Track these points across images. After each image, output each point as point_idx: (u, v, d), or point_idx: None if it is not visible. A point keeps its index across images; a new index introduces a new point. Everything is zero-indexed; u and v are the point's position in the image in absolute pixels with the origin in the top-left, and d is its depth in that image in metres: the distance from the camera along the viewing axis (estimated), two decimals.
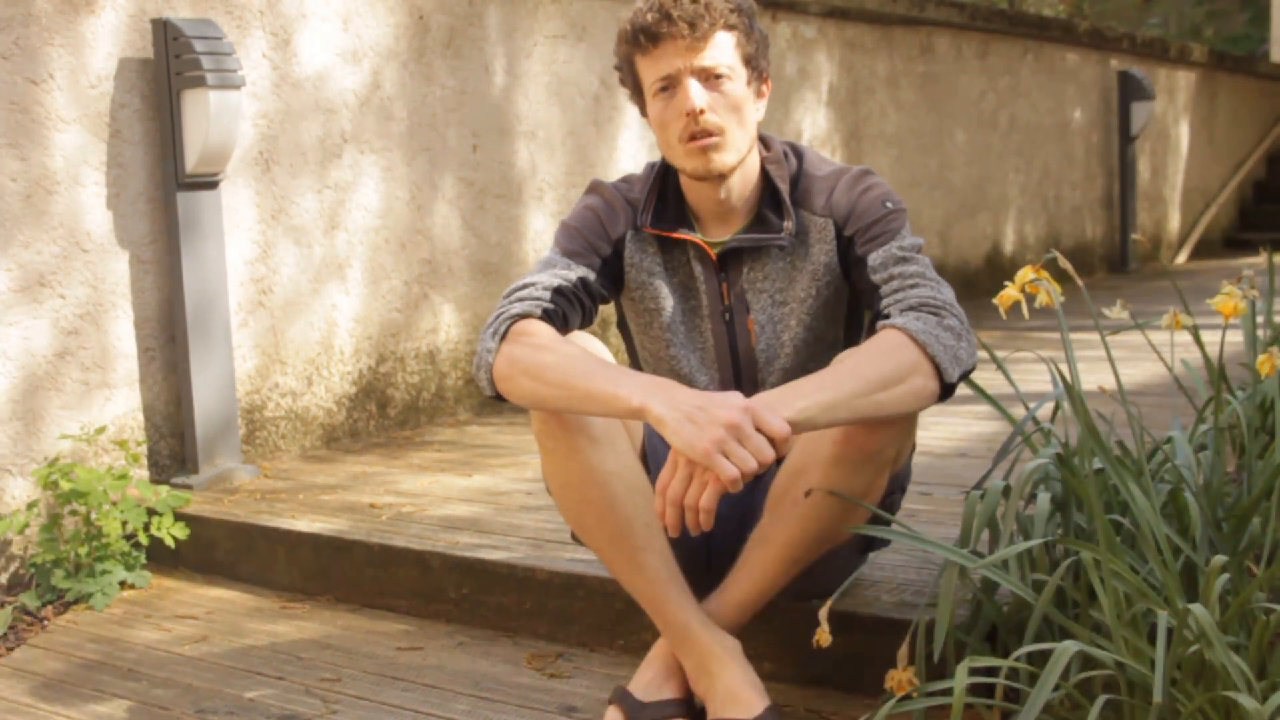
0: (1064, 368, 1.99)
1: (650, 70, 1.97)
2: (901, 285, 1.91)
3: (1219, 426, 2.04)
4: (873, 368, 1.79)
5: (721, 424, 1.69)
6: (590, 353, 1.90)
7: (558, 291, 1.99)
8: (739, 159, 1.99)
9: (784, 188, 2.03)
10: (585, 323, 2.06)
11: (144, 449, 3.12)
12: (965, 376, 1.87)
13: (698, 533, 1.74)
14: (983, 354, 2.03)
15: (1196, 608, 1.55)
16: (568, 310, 2.00)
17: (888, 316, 1.88)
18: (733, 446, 1.68)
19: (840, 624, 1.85)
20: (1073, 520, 1.95)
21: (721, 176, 1.99)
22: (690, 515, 1.72)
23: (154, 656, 2.45)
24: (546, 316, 1.95)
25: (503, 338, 1.91)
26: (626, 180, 2.13)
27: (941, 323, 1.84)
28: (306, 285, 3.51)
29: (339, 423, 3.62)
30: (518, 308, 1.95)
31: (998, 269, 6.61)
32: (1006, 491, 1.91)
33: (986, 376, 2.24)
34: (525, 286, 1.99)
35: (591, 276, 2.04)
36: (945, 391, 1.83)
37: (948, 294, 1.90)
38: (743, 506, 2.02)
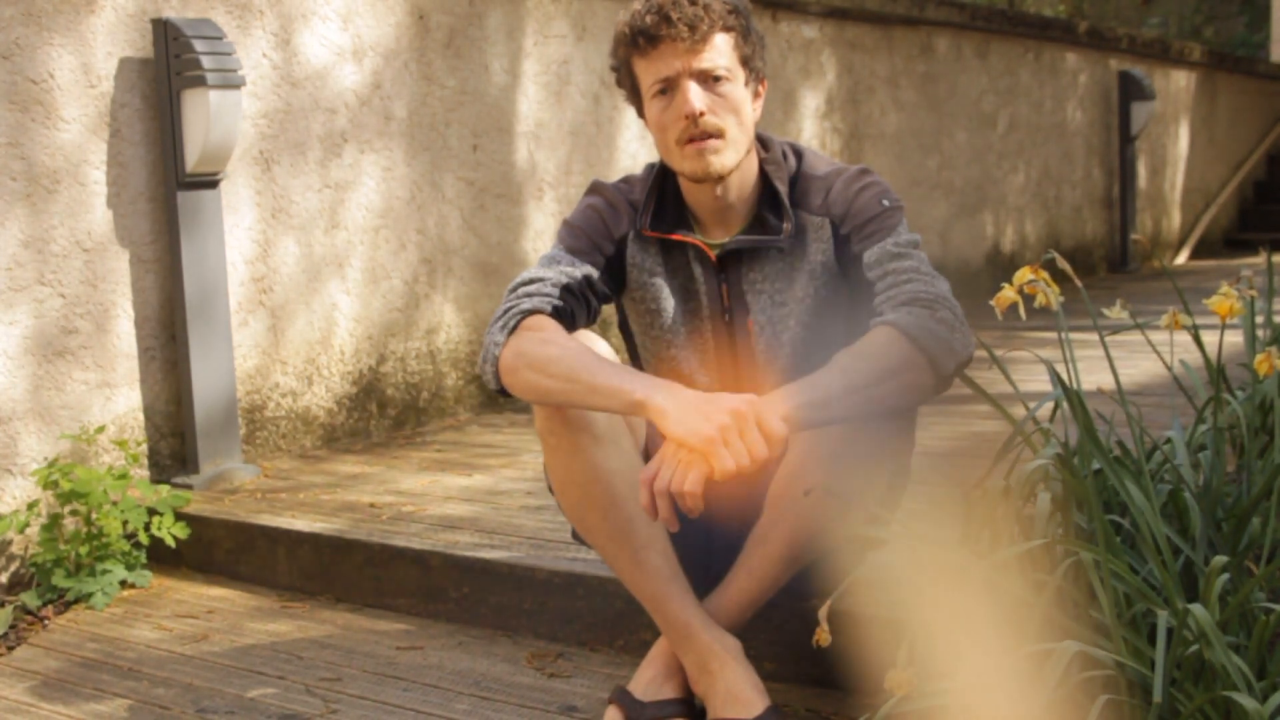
0: (1063, 368, 1.99)
1: (648, 72, 1.97)
2: (895, 281, 1.91)
3: (1218, 426, 2.04)
4: (865, 365, 1.79)
5: (726, 413, 1.70)
6: (595, 350, 1.91)
7: (566, 289, 1.99)
8: (738, 160, 1.98)
9: (783, 189, 2.03)
10: (589, 321, 2.06)
11: (144, 449, 3.13)
12: (961, 369, 1.87)
13: (695, 515, 1.74)
14: (982, 354, 2.02)
15: (1196, 608, 1.55)
16: (575, 308, 2.00)
17: (881, 313, 1.89)
18: (733, 438, 1.69)
19: (840, 624, 1.85)
20: (1073, 520, 1.95)
21: (720, 178, 1.99)
22: (680, 501, 1.73)
23: (154, 656, 2.46)
24: (556, 314, 1.96)
25: (511, 332, 1.92)
26: (626, 181, 2.13)
27: (934, 316, 1.84)
28: (307, 284, 3.51)
29: (339, 423, 3.62)
30: (528, 304, 1.95)
31: (998, 269, 6.61)
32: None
33: (986, 376, 2.24)
34: (533, 282, 1.99)
35: (595, 275, 2.04)
36: (941, 385, 1.84)
37: (942, 287, 1.90)
38: (743, 506, 2.02)
